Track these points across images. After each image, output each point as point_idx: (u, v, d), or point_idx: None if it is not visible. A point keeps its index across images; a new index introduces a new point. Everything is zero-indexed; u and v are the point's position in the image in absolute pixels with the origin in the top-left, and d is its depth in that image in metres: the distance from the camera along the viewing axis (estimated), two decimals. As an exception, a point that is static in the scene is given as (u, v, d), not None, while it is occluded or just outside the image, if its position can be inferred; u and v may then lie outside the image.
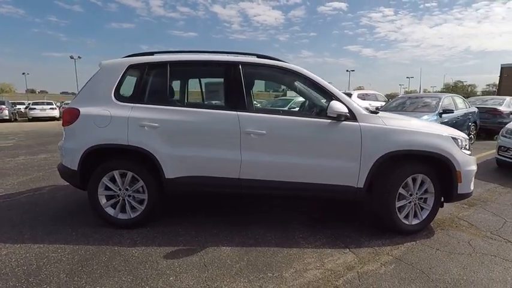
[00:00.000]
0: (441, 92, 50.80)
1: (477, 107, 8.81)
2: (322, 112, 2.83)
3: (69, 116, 2.90)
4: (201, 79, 3.34)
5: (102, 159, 2.88)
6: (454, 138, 2.80)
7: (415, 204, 2.82)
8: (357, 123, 2.72)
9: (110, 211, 2.91)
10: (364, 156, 2.69)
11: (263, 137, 2.72)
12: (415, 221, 2.83)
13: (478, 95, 30.47)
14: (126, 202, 2.89)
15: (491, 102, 9.94)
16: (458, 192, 2.77)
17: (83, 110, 2.85)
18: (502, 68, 25.90)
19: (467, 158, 2.79)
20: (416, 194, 2.80)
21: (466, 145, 2.86)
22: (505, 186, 4.39)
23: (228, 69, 2.87)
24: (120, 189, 2.88)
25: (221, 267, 2.28)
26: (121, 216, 2.91)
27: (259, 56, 2.99)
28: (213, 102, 3.09)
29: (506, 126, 5.47)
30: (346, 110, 2.67)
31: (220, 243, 2.65)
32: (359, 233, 2.85)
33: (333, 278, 2.14)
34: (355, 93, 11.68)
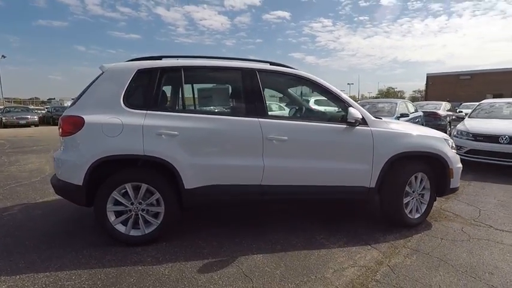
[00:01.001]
0: (376, 97, 56.19)
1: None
2: (335, 118, 2.99)
3: (71, 124, 2.59)
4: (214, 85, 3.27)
5: (111, 171, 2.62)
6: (446, 140, 3.20)
7: (416, 199, 3.13)
8: (369, 127, 2.94)
9: (121, 228, 2.66)
10: (376, 158, 2.91)
11: (284, 143, 2.77)
12: (416, 215, 3.14)
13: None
14: (140, 217, 2.67)
15: (430, 106, 11.41)
16: (451, 187, 3.17)
17: (88, 118, 2.57)
18: (427, 76, 29.84)
19: (456, 157, 3.21)
20: (417, 190, 3.12)
21: (452, 145, 3.29)
22: (464, 179, 5.10)
23: (246, 76, 2.86)
24: (132, 204, 2.65)
25: (263, 275, 2.26)
26: (134, 232, 2.68)
27: (272, 64, 3.04)
28: (227, 108, 3.03)
29: (456, 127, 6.35)
30: (361, 116, 2.87)
31: (249, 251, 2.61)
32: (370, 229, 3.06)
33: (370, 274, 2.28)
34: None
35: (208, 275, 2.25)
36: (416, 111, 9.34)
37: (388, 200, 3.01)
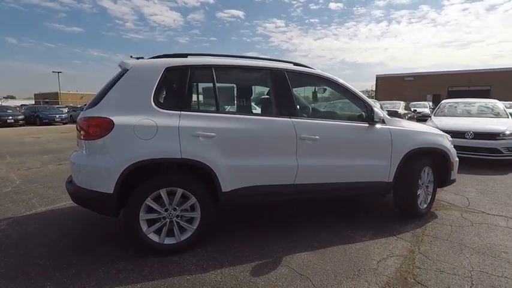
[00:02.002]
0: (330, 97, 59.20)
1: (384, 110, 10.91)
2: (354, 117, 3.14)
3: (98, 127, 2.35)
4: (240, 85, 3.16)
5: (142, 177, 2.44)
6: (446, 136, 3.55)
7: (424, 191, 3.43)
8: (387, 126, 3.14)
9: (154, 237, 2.49)
10: (394, 154, 3.13)
11: (316, 142, 2.84)
12: (424, 206, 3.44)
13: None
14: (175, 223, 2.53)
15: (390, 106, 12.43)
16: (451, 178, 3.53)
17: (117, 119, 2.35)
18: (377, 77, 32.33)
19: (454, 151, 3.58)
20: (425, 183, 3.42)
21: (451, 141, 3.66)
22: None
23: (276, 76, 2.87)
24: (166, 210, 2.49)
25: (316, 272, 2.30)
26: (168, 241, 2.52)
27: (295, 64, 3.08)
28: (260, 108, 2.98)
29: (426, 124, 7.03)
30: (383, 115, 3.06)
31: (290, 250, 2.63)
32: (387, 222, 3.28)
33: (409, 262, 2.46)
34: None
35: (264, 278, 2.22)
36: (384, 110, 10.12)
37: (404, 193, 3.26)
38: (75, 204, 3.74)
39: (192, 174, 2.55)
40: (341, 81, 3.17)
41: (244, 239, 2.83)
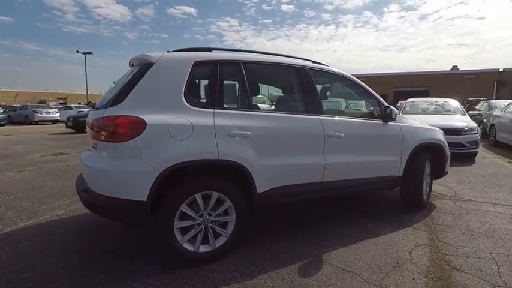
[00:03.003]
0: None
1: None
2: (367, 115, 3.25)
3: (128, 127, 2.08)
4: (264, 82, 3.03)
5: (175, 182, 2.23)
6: (441, 132, 3.85)
7: (426, 183, 3.69)
8: (397, 123, 3.31)
9: (189, 247, 2.30)
10: (404, 149, 3.32)
11: (341, 139, 2.88)
12: (425, 197, 3.70)
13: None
14: (209, 230, 2.36)
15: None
16: (445, 170, 3.85)
17: (148, 118, 2.12)
18: (332, 78, 34.06)
19: (447, 145, 3.91)
20: (427, 175, 3.68)
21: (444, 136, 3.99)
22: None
23: (301, 73, 2.84)
24: (201, 216, 2.32)
25: (361, 267, 2.33)
26: (203, 249, 2.35)
27: (314, 62, 3.08)
28: (290, 106, 2.90)
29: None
30: (397, 113, 3.21)
31: (325, 248, 2.63)
32: (396, 214, 3.46)
33: (436, 250, 2.62)
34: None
35: (315, 278, 2.19)
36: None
37: (412, 186, 3.47)
38: (64, 216, 3.37)
39: (227, 176, 2.40)
40: (358, 80, 3.25)
41: (273, 240, 2.76)
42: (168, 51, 2.51)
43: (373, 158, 3.15)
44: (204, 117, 2.29)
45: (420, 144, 3.43)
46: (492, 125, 9.02)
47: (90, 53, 34.06)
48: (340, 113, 3.08)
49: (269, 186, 2.55)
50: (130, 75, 2.41)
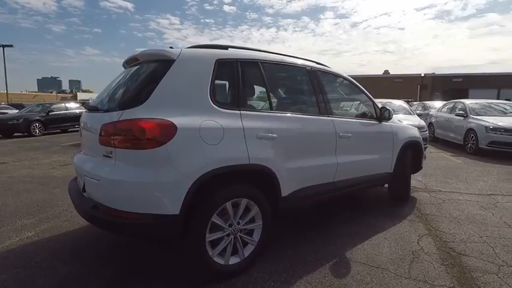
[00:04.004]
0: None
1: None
2: (364, 115, 3.41)
3: (157, 132, 1.84)
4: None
5: (208, 190, 2.04)
6: (418, 130, 4.23)
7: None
8: (388, 123, 3.54)
9: (220, 260, 2.12)
10: (395, 147, 3.56)
11: (349, 139, 2.96)
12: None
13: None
14: (238, 239, 2.22)
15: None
16: (421, 165, 4.24)
17: (178, 122, 1.89)
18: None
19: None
20: (408, 171, 4.01)
21: (419, 133, 4.38)
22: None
23: (312, 74, 2.85)
24: (230, 226, 2.16)
25: (386, 261, 2.42)
26: (232, 260, 2.20)
27: (317, 63, 3.12)
28: (307, 107, 2.84)
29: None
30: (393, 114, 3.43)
31: (344, 247, 2.68)
32: (388, 208, 3.70)
33: (437, 238, 2.86)
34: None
35: (350, 278, 2.20)
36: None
37: (401, 181, 3.74)
38: (37, 238, 2.87)
39: (254, 181, 2.28)
40: (355, 82, 3.39)
41: (291, 245, 2.71)
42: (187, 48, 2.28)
43: (372, 156, 3.31)
44: (232, 119, 2.14)
45: (406, 141, 3.72)
46: (430, 123, 10.28)
47: (11, 45, 29.56)
48: (345, 114, 3.17)
49: (292, 189, 2.50)
50: (144, 73, 2.13)
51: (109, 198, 1.88)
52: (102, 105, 2.24)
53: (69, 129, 14.06)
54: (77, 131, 14.07)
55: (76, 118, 13.83)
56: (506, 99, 13.95)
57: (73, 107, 14.47)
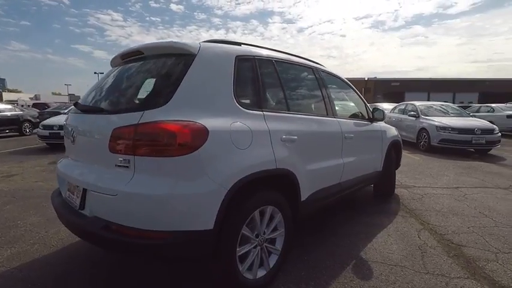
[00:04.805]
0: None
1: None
2: (361, 116, 3.49)
3: (188, 136, 1.60)
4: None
5: (238, 199, 1.85)
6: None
7: (391, 176, 4.23)
8: (378, 123, 3.67)
9: (249, 275, 1.95)
10: (383, 146, 3.72)
11: (352, 140, 2.99)
12: (392, 187, 4.25)
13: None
14: (265, 250, 2.06)
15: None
16: (400, 163, 4.50)
17: (208, 124, 1.68)
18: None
19: None
20: (391, 168, 4.22)
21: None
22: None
23: (319, 75, 2.82)
24: (257, 236, 2.00)
25: (400, 259, 2.48)
26: (259, 273, 2.03)
27: (318, 64, 3.09)
28: (317, 108, 2.74)
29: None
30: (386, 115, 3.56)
31: (356, 249, 2.68)
32: (377, 205, 3.84)
33: (434, 232, 3.03)
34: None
35: (376, 279, 2.20)
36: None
37: (389, 178, 3.93)
38: (2, 269, 2.36)
39: (276, 187, 2.14)
40: (350, 84, 3.44)
41: (304, 250, 2.62)
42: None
43: (368, 156, 3.41)
44: (257, 121, 1.98)
45: (391, 140, 3.91)
46: (384, 123, 11.10)
47: None
48: (345, 114, 3.19)
49: (309, 193, 2.42)
50: (160, 68, 1.86)
51: (128, 216, 1.58)
52: (103, 105, 1.90)
53: (-1, 135, 12.15)
54: (9, 136, 12.24)
55: (8, 122, 12.05)
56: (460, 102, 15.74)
57: (3, 108, 12.49)
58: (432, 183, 4.93)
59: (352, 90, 3.48)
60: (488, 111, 13.14)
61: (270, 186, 2.07)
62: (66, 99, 50.18)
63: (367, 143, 3.44)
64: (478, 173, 5.70)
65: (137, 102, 1.76)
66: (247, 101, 2.03)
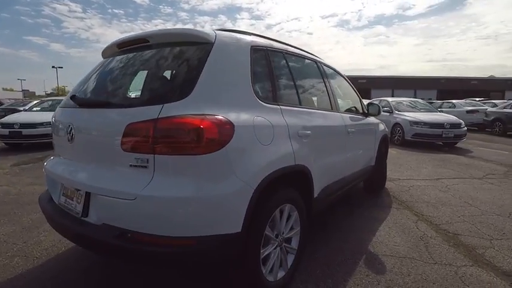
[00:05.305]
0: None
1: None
2: (356, 110, 3.51)
3: (215, 132, 1.46)
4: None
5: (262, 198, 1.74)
6: (382, 124, 4.60)
7: (381, 169, 4.33)
8: (371, 118, 3.73)
9: (270, 278, 1.86)
10: (376, 140, 3.79)
11: (353, 135, 3.00)
12: (381, 180, 4.36)
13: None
14: (284, 250, 1.98)
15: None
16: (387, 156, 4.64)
17: (232, 118, 1.55)
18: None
19: None
20: (381, 162, 4.33)
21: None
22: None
23: (323, 70, 2.78)
24: (277, 236, 1.91)
25: (408, 251, 2.52)
26: (280, 274, 1.95)
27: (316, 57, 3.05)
28: (323, 103, 2.66)
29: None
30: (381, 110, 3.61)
31: (363, 244, 2.69)
32: (370, 199, 3.91)
33: (429, 222, 3.14)
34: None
35: (391, 273, 2.21)
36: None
37: (381, 172, 4.01)
38: None
39: (294, 184, 2.06)
40: (348, 80, 3.45)
41: (312, 248, 2.56)
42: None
43: (365, 150, 3.44)
44: (276, 115, 1.88)
45: (382, 135, 3.99)
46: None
47: None
48: (344, 109, 3.18)
49: (319, 189, 2.37)
50: (172, 58, 1.69)
51: (148, 223, 1.41)
52: (110, 99, 1.69)
53: None
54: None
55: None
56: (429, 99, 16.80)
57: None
58: (414, 176, 5.15)
59: (348, 84, 3.49)
60: (450, 107, 14.11)
61: (288, 184, 1.98)
62: (20, 96, 46.20)
63: (365, 137, 3.47)
64: (452, 165, 6.06)
65: (151, 95, 1.59)
66: (264, 95, 1.92)
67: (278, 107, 1.95)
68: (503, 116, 11.37)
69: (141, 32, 1.87)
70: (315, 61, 2.76)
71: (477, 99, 18.03)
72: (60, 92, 55.77)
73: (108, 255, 1.57)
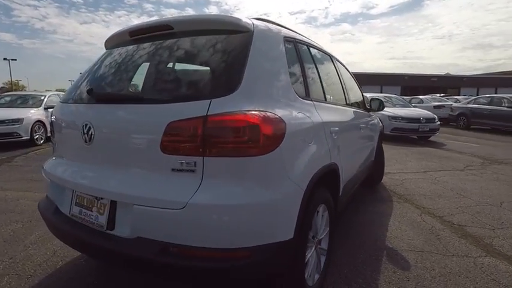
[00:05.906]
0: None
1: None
2: (361, 105, 3.50)
3: (270, 131, 1.32)
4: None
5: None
6: (377, 120, 4.68)
7: (377, 163, 4.41)
8: (372, 113, 3.76)
9: (310, 282, 1.78)
10: (375, 135, 3.83)
11: (363, 130, 3.00)
12: (378, 175, 4.44)
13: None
14: (318, 252, 1.90)
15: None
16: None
17: (281, 115, 1.42)
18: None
19: None
20: (377, 157, 4.40)
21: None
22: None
23: (337, 63, 2.71)
24: (313, 237, 1.82)
25: (423, 244, 2.56)
26: (316, 276, 1.87)
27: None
28: (340, 98, 2.60)
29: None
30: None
31: (378, 239, 2.69)
32: (371, 194, 3.96)
33: (432, 215, 3.23)
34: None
35: (417, 267, 2.22)
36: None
37: (380, 167, 4.07)
38: None
39: (326, 183, 1.98)
40: (352, 73, 3.43)
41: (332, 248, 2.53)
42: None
43: (369, 145, 3.46)
44: (311, 112, 1.78)
45: (379, 130, 4.05)
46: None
47: None
48: (352, 104, 3.15)
49: (342, 187, 2.31)
50: (209, 47, 1.51)
51: (197, 234, 1.24)
52: (140, 93, 1.48)
53: None
54: None
55: None
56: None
57: None
58: (403, 169, 5.33)
59: (353, 78, 3.47)
60: (418, 103, 14.90)
61: (322, 183, 1.90)
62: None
63: (370, 133, 3.49)
64: (433, 158, 6.37)
65: (193, 89, 1.40)
66: (299, 89, 1.80)
67: (312, 102, 1.85)
68: (468, 111, 12.23)
69: (157, 18, 1.66)
70: (329, 55, 2.69)
71: (437, 95, 19.24)
72: (14, 86, 51.08)
73: (147, 273, 1.37)
